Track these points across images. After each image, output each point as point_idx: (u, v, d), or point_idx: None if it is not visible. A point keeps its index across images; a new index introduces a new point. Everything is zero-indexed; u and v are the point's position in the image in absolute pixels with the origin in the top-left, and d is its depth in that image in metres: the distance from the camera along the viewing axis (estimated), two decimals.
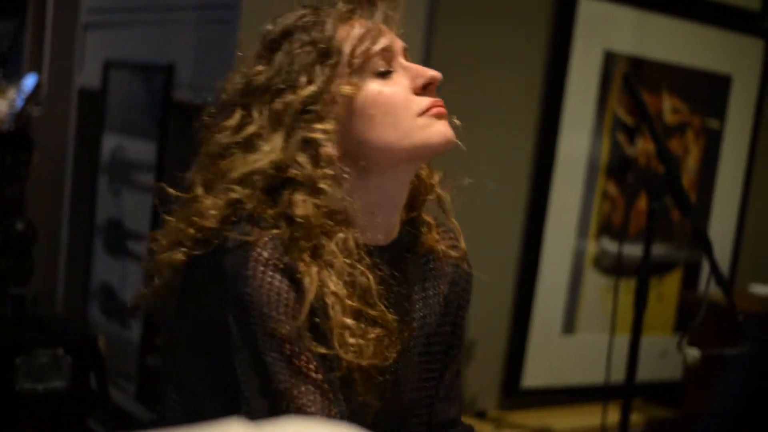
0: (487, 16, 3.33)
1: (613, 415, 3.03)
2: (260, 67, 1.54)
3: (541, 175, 3.44)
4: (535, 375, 3.54)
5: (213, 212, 1.46)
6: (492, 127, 3.25)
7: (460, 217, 3.27)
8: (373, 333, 1.47)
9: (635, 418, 3.40)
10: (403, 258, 1.63)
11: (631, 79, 2.81)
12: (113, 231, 3.76)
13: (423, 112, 1.52)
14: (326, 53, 1.50)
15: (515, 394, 3.52)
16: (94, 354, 3.26)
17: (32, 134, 3.44)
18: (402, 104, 1.51)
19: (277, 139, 1.48)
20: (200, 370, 1.47)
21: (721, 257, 3.47)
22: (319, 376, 1.40)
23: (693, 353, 2.70)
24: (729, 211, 4.07)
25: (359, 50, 1.50)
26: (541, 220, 3.46)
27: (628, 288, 3.40)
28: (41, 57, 4.16)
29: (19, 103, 3.26)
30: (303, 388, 1.39)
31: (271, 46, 1.54)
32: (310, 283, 1.40)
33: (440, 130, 1.53)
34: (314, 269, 1.41)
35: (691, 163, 3.93)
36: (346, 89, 1.48)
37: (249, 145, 1.50)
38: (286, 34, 1.53)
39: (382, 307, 1.50)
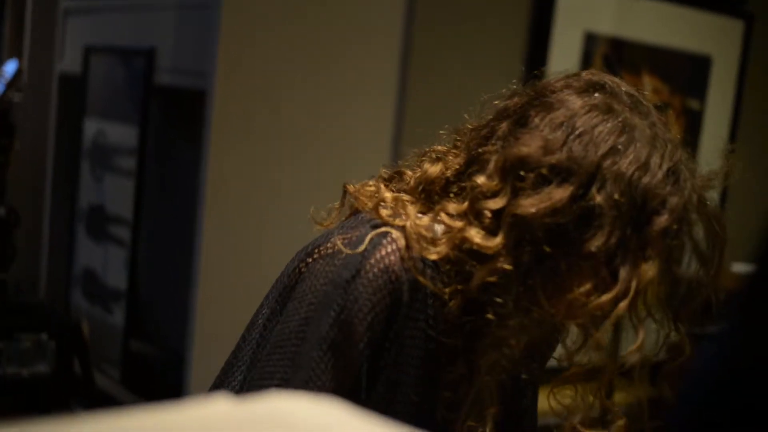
0: None
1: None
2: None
3: None
4: None
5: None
6: (473, 109, 3.25)
7: None
8: None
9: (616, 397, 3.42)
10: None
11: (611, 61, 2.82)
12: (95, 216, 3.76)
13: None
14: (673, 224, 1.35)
15: None
16: (78, 339, 3.27)
17: (13, 120, 3.43)
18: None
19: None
20: None
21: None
22: None
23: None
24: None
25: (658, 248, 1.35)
26: None
27: None
28: (21, 43, 4.15)
29: (0, 89, 3.25)
30: None
31: (673, 173, 1.37)
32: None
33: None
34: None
35: None
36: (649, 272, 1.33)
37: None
38: (676, 171, 1.38)
39: None
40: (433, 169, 1.46)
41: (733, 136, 4.11)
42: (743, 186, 4.30)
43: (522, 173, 1.34)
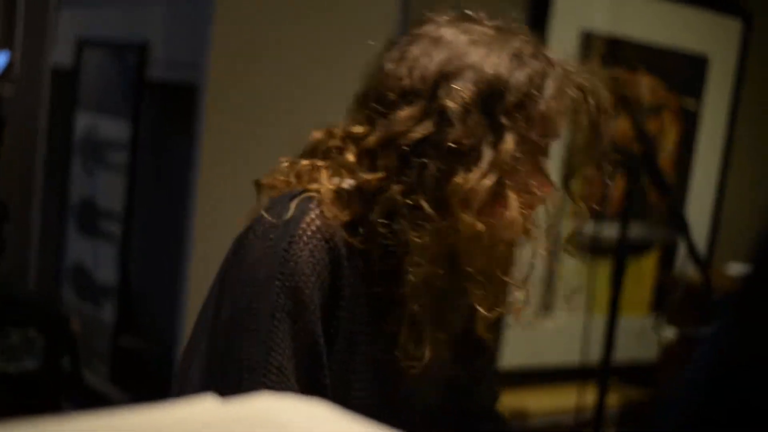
0: None
1: (589, 396, 3.03)
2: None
3: None
4: (510, 356, 3.53)
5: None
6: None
7: None
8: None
9: (610, 398, 3.40)
10: None
11: (608, 60, 2.80)
12: (86, 210, 3.73)
13: None
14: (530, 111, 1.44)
15: None
16: (67, 334, 3.24)
17: (3, 113, 3.40)
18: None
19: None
20: None
21: (698, 238, 3.46)
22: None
23: (668, 333, 2.70)
24: (706, 191, 4.07)
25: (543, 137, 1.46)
26: None
27: (604, 268, 3.40)
28: (13, 35, 4.12)
29: None
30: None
31: (517, 56, 1.46)
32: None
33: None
34: None
35: (668, 144, 3.92)
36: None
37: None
38: (520, 54, 1.46)
39: None
40: (317, 133, 1.57)
41: (730, 137, 4.10)
42: (739, 188, 4.30)
43: (378, 107, 1.46)
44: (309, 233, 1.41)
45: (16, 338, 3.04)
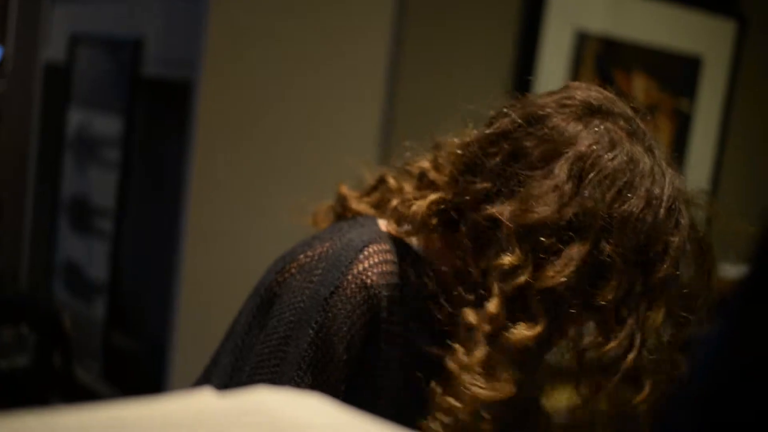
0: None
1: None
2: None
3: None
4: None
5: None
6: (461, 108, 3.23)
7: None
8: None
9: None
10: None
11: (603, 62, 2.80)
12: (78, 207, 3.72)
13: None
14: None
15: None
16: (59, 331, 3.23)
17: None
18: None
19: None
20: None
21: None
22: None
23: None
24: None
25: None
26: None
27: None
28: (5, 30, 4.11)
29: None
30: None
31: (672, 210, 1.32)
32: None
33: None
34: None
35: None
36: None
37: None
38: (674, 206, 1.33)
39: None
40: (418, 208, 1.41)
41: (723, 138, 4.10)
42: (732, 189, 4.29)
43: (541, 239, 1.27)
44: (354, 287, 1.32)
45: (7, 335, 3.03)
